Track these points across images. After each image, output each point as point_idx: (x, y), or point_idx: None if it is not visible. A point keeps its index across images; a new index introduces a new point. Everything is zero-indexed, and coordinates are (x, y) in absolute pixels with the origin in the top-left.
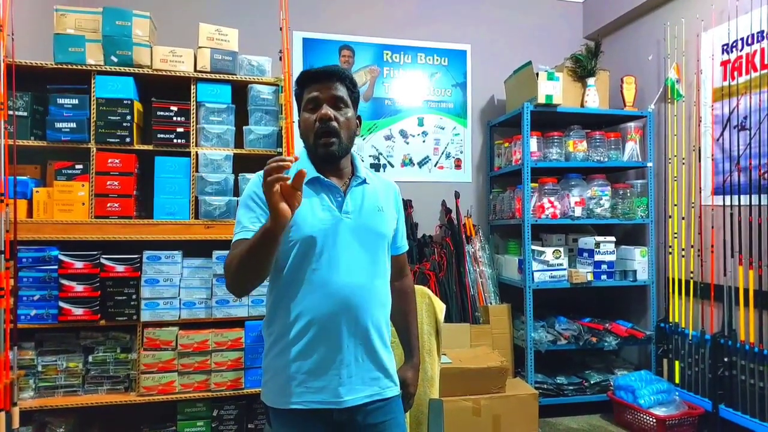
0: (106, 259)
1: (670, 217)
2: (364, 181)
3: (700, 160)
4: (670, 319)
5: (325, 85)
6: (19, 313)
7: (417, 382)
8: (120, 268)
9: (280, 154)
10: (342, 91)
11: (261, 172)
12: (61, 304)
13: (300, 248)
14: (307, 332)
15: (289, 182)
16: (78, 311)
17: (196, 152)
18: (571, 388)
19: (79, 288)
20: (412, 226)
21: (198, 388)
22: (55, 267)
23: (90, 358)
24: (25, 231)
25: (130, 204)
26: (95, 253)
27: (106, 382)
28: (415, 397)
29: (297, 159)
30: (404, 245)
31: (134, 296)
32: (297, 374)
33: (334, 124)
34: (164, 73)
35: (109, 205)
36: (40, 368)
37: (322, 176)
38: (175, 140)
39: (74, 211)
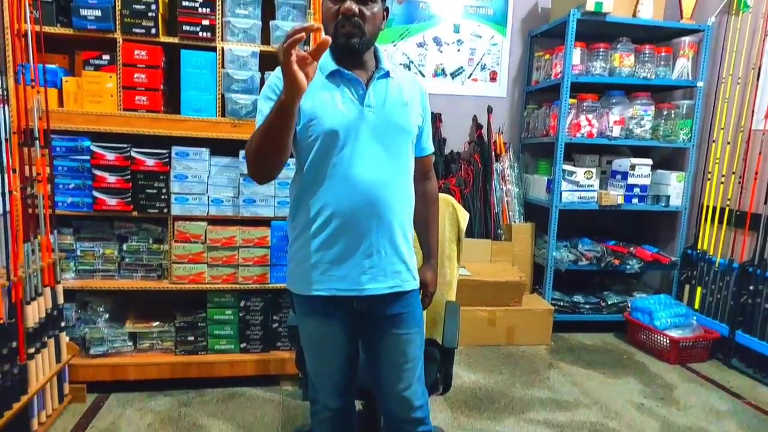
0: (136, 152)
1: (714, 141)
2: (387, 74)
3: (758, 80)
4: (699, 247)
5: None
6: (56, 200)
7: (436, 282)
8: (150, 162)
9: (307, 51)
10: None
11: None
12: (95, 193)
13: (321, 143)
14: (329, 225)
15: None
16: (112, 201)
17: (222, 47)
18: (587, 306)
19: (111, 179)
20: (439, 142)
21: (226, 280)
22: (88, 158)
23: (124, 247)
24: (57, 120)
25: (158, 98)
26: (125, 146)
27: (140, 270)
28: (433, 298)
29: (320, 29)
30: (429, 147)
31: (164, 190)
32: (320, 263)
33: (358, 20)
34: None
35: (137, 98)
36: (78, 253)
37: (342, 68)
38: (200, 33)
39: (103, 103)
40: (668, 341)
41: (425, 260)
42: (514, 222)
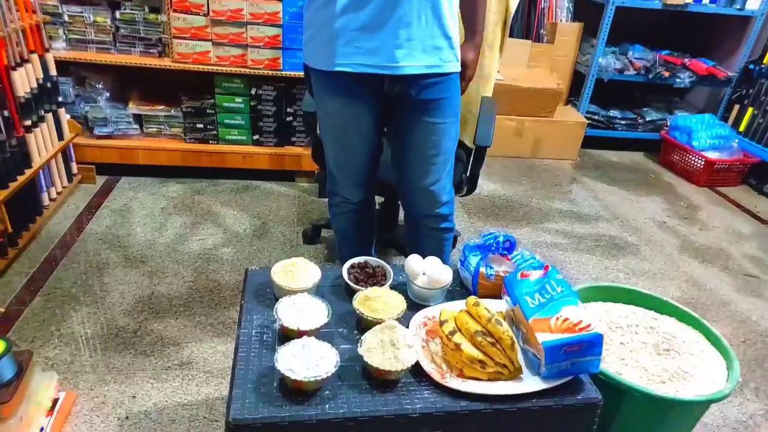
0: None
1: None
2: None
3: None
4: (764, 62)
5: None
6: None
7: (476, 65)
8: None
9: None
10: None
11: None
12: None
13: None
14: None
15: None
16: None
17: None
18: (623, 122)
19: None
20: None
21: (234, 62)
22: None
23: (117, 15)
24: None
25: None
26: None
27: (138, 44)
28: (469, 85)
29: None
30: None
31: None
32: (346, 30)
33: None
34: None
35: None
36: (66, 18)
37: None
38: None
39: None
40: (703, 162)
41: (468, 37)
42: (560, 21)
